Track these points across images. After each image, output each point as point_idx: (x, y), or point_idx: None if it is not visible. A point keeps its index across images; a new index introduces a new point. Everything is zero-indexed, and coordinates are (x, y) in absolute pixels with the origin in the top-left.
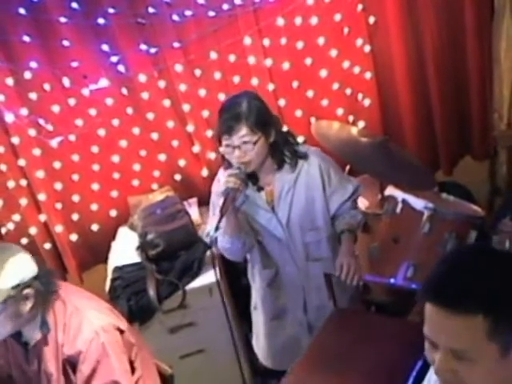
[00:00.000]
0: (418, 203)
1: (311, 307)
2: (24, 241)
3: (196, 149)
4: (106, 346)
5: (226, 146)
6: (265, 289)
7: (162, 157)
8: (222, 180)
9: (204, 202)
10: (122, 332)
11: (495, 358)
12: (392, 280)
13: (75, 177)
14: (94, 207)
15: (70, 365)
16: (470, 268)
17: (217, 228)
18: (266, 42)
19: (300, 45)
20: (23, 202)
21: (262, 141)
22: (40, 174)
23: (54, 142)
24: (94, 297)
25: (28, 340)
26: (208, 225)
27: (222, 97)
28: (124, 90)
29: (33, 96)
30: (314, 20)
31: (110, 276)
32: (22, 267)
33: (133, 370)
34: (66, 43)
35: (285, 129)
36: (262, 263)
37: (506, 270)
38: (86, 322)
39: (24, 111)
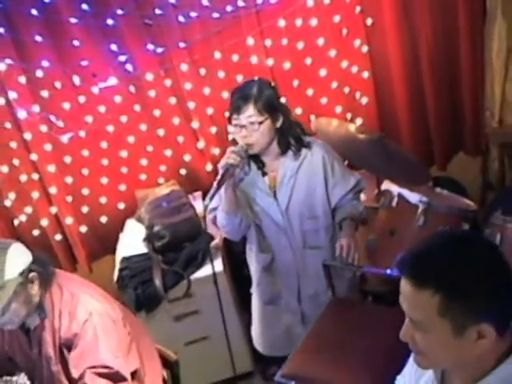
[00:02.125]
0: (413, 197)
1: (305, 296)
2: (36, 232)
3: (201, 144)
4: (97, 328)
5: (235, 126)
6: (260, 272)
7: (168, 152)
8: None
9: None
10: (113, 320)
11: (448, 335)
12: (388, 271)
13: (85, 171)
14: (103, 200)
15: (67, 348)
16: (438, 248)
17: (211, 198)
18: (268, 42)
19: (300, 45)
20: (35, 194)
21: (268, 123)
22: (51, 168)
23: (65, 138)
24: (88, 283)
25: (29, 326)
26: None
27: (225, 95)
28: (132, 88)
29: (44, 93)
30: (313, 21)
31: (118, 266)
32: (21, 255)
33: (130, 359)
34: (76, 43)
35: (294, 118)
36: (259, 246)
37: (472, 257)
38: (80, 305)
39: (36, 108)
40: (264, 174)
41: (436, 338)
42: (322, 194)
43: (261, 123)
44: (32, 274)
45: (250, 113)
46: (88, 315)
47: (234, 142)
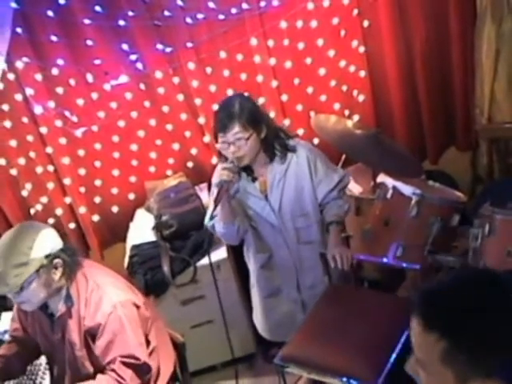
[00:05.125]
0: (406, 189)
1: (304, 286)
2: (51, 221)
3: (206, 139)
4: (123, 319)
5: (222, 143)
6: (259, 270)
7: (176, 146)
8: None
9: None
10: (138, 307)
11: (449, 383)
12: (383, 259)
13: (97, 163)
14: (114, 191)
15: (91, 336)
16: (453, 291)
17: (211, 217)
18: (271, 42)
19: (301, 45)
20: (50, 185)
21: (254, 137)
22: (65, 160)
23: (79, 132)
24: (113, 273)
25: (53, 311)
26: (207, 213)
27: (230, 92)
28: (142, 86)
29: (59, 90)
30: (313, 23)
31: (128, 253)
32: (51, 239)
33: (148, 342)
34: (89, 43)
35: (276, 125)
36: (256, 247)
37: (488, 308)
38: (105, 296)
39: (51, 104)
40: (254, 179)
41: (437, 382)
42: (310, 192)
43: (247, 139)
44: (57, 261)
45: (235, 130)
46: (113, 307)
47: (223, 157)
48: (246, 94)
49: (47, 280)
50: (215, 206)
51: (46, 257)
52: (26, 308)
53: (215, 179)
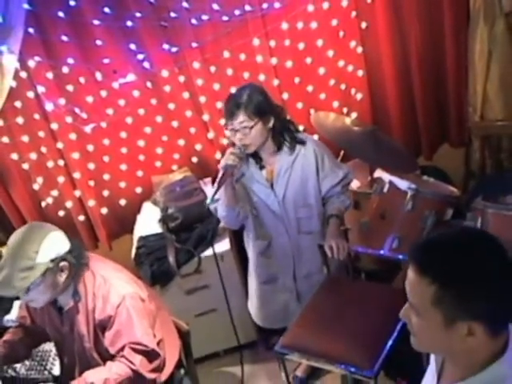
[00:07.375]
0: (402, 184)
1: (300, 276)
2: (61, 213)
3: (211, 135)
4: (131, 310)
5: (230, 130)
6: (257, 257)
7: (181, 142)
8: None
9: None
10: (143, 301)
11: (438, 324)
12: (379, 251)
13: (106, 158)
14: (122, 185)
15: (101, 328)
16: (448, 242)
17: (212, 198)
18: (272, 43)
19: (301, 46)
20: (61, 179)
21: (259, 126)
22: (75, 155)
23: (88, 128)
24: (119, 267)
25: (62, 305)
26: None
27: (233, 90)
28: (149, 84)
29: (70, 88)
30: (313, 24)
31: (135, 244)
32: (57, 243)
33: (153, 336)
34: (98, 42)
35: (288, 118)
36: (256, 234)
37: (477, 258)
38: (113, 290)
39: (62, 101)
40: (262, 167)
41: (427, 325)
42: (314, 185)
43: (252, 127)
44: (63, 264)
45: (241, 119)
46: (121, 299)
47: (233, 144)
48: (257, 84)
49: (53, 282)
50: (218, 188)
51: (52, 261)
52: (33, 305)
53: (222, 162)
